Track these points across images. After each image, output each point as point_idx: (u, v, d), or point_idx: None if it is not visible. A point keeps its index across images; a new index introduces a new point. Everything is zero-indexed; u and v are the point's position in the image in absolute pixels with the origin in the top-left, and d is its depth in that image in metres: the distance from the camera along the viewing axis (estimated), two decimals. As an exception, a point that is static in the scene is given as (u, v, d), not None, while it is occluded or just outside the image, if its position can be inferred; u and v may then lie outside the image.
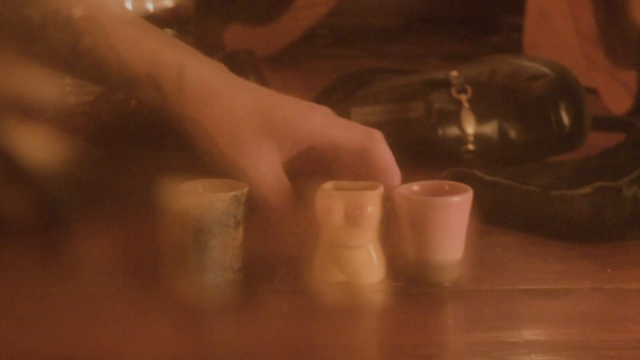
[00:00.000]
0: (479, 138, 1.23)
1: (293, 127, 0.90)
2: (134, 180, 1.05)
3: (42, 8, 0.87)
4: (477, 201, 0.90)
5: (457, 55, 1.87)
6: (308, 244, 0.90)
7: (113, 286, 0.88)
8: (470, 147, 1.23)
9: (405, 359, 0.79)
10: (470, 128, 1.23)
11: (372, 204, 0.88)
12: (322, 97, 1.30)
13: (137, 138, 1.12)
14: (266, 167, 0.90)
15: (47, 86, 0.90)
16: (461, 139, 1.23)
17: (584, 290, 0.90)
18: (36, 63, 0.90)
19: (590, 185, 1.00)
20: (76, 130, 1.12)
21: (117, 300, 0.86)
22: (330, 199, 0.88)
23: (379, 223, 0.89)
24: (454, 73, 1.26)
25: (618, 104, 1.48)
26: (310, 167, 0.92)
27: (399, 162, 0.92)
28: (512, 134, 1.23)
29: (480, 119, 1.24)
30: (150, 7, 2.25)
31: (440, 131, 1.24)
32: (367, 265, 0.89)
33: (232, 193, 0.88)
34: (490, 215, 1.02)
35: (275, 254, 0.95)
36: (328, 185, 0.90)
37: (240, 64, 1.12)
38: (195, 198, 0.87)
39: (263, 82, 1.14)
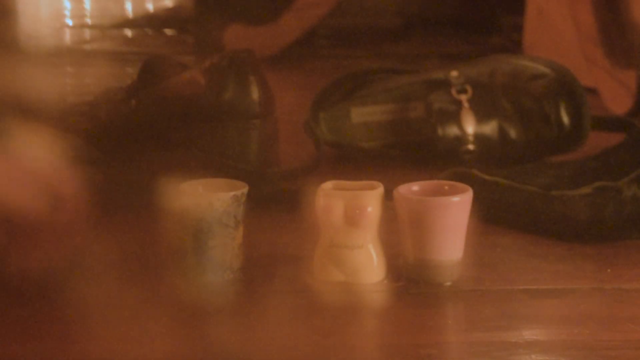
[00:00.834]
0: (479, 138, 1.23)
1: None
2: (133, 180, 1.05)
3: None
4: (477, 201, 0.90)
5: (457, 55, 1.87)
6: (308, 244, 0.90)
7: (113, 286, 0.88)
8: (470, 147, 1.23)
9: (405, 359, 0.79)
10: (470, 128, 1.23)
11: (372, 204, 0.88)
12: (322, 97, 1.30)
13: (137, 138, 1.12)
14: None
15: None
16: (461, 139, 1.23)
17: (584, 290, 0.90)
18: None
19: (590, 185, 1.00)
20: (76, 130, 1.12)
21: (118, 300, 0.86)
22: (330, 199, 0.88)
23: (378, 223, 0.89)
24: (454, 73, 1.26)
25: (618, 104, 1.48)
26: None
27: (399, 162, 0.92)
28: (512, 134, 1.23)
29: (480, 119, 1.24)
30: (150, 7, 2.25)
31: (440, 131, 1.24)
32: (367, 265, 0.89)
33: (232, 193, 0.88)
34: (490, 215, 1.02)
35: (275, 254, 0.95)
36: (328, 185, 0.90)
37: (240, 64, 1.12)
38: (195, 198, 0.87)
39: (263, 82, 1.14)
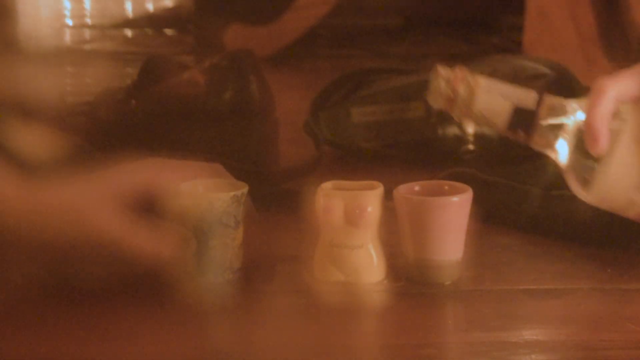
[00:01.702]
0: (479, 138, 1.23)
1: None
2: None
3: None
4: (477, 201, 0.90)
5: (457, 55, 1.87)
6: (308, 244, 0.90)
7: (113, 286, 0.88)
8: (470, 147, 1.23)
9: (405, 359, 0.79)
10: (470, 128, 1.23)
11: (371, 204, 0.88)
12: (322, 97, 1.30)
13: (137, 138, 1.12)
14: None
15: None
16: (461, 139, 1.23)
17: (584, 290, 0.90)
18: None
19: (590, 185, 1.00)
20: (76, 130, 1.12)
21: (118, 302, 0.86)
22: (330, 199, 0.88)
23: (378, 223, 0.89)
24: (454, 73, 1.26)
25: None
26: None
27: (399, 162, 0.92)
28: (512, 134, 1.23)
29: (480, 119, 1.23)
30: (150, 7, 2.25)
31: (440, 131, 1.24)
32: (367, 265, 0.89)
33: (232, 193, 0.88)
34: (490, 215, 1.02)
35: (275, 254, 0.95)
36: (328, 185, 0.90)
37: (240, 64, 1.12)
38: (195, 198, 0.87)
39: (263, 82, 1.14)
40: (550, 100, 0.86)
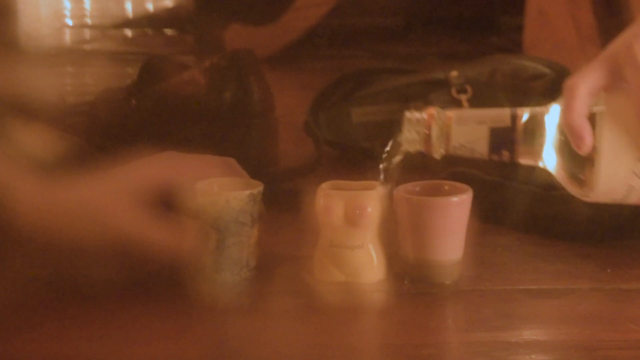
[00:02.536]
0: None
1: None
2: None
3: None
4: (477, 201, 0.90)
5: (457, 55, 1.87)
6: (308, 244, 0.90)
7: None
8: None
9: (405, 359, 0.79)
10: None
11: (371, 204, 0.88)
12: (322, 97, 1.30)
13: (137, 138, 1.12)
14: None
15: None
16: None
17: (584, 290, 0.90)
18: None
19: (590, 185, 1.00)
20: (76, 130, 1.12)
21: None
22: (330, 199, 0.88)
23: (378, 223, 0.89)
24: (454, 73, 1.26)
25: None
26: None
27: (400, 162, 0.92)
28: (512, 134, 1.23)
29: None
30: (150, 7, 2.25)
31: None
32: (367, 265, 0.89)
33: (249, 191, 0.88)
34: (490, 215, 1.02)
35: (275, 254, 0.95)
36: (328, 185, 0.90)
37: (240, 64, 1.12)
38: (212, 196, 0.87)
39: (263, 82, 1.14)
40: (525, 111, 0.86)
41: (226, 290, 0.88)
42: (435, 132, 0.86)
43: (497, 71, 1.26)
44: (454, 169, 1.08)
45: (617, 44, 0.84)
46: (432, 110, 0.86)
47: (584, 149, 0.84)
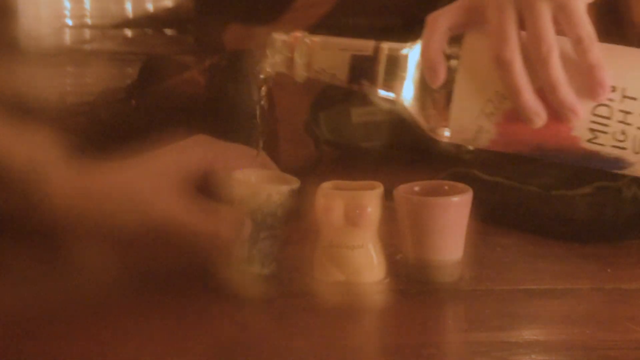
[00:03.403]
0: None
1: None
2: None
3: None
4: (477, 201, 0.90)
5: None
6: (308, 244, 0.90)
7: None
8: (470, 147, 1.23)
9: (405, 359, 0.78)
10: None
11: (372, 204, 0.88)
12: (322, 97, 1.30)
13: (137, 138, 1.12)
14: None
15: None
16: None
17: (584, 290, 0.90)
18: None
19: (590, 185, 1.00)
20: (76, 130, 1.12)
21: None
22: (330, 199, 0.88)
23: (378, 223, 0.89)
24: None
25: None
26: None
27: (399, 162, 0.92)
28: (512, 134, 1.23)
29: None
30: (150, 7, 2.25)
31: (440, 131, 1.24)
32: (367, 264, 0.89)
33: (290, 187, 0.87)
34: (490, 215, 1.02)
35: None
36: (328, 184, 0.90)
37: (240, 64, 1.12)
38: (254, 188, 0.87)
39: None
40: (388, 44, 0.85)
41: (254, 282, 0.87)
42: (298, 56, 0.86)
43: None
44: (454, 169, 1.08)
45: None
46: (298, 34, 0.86)
47: (436, 83, 0.83)
